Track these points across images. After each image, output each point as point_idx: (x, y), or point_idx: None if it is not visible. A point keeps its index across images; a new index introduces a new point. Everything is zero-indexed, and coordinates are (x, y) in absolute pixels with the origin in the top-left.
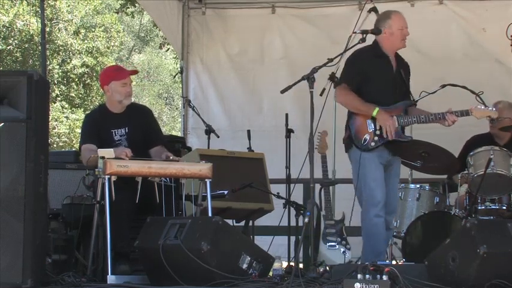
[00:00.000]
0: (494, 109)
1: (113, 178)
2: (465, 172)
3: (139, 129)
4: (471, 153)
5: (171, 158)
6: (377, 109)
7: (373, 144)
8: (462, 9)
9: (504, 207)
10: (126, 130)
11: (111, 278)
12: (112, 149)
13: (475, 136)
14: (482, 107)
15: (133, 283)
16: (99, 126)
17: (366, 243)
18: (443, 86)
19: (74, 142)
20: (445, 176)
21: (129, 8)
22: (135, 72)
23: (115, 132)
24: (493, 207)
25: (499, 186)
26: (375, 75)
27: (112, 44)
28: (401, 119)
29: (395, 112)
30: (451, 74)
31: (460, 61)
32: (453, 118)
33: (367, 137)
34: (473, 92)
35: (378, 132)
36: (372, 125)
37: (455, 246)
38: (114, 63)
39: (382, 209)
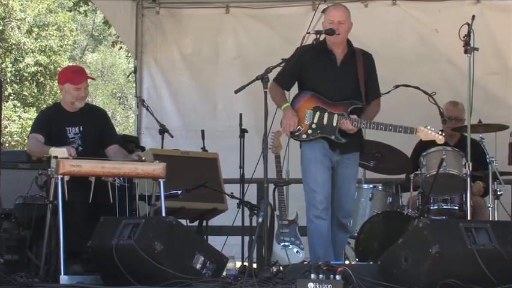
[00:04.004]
0: (442, 135)
1: (66, 178)
2: (417, 172)
3: (94, 129)
4: (424, 153)
5: (143, 158)
6: (286, 104)
7: (304, 136)
8: (415, 10)
9: (456, 207)
10: (80, 129)
11: (63, 278)
12: (65, 149)
13: None
14: (432, 130)
15: (86, 283)
16: (52, 123)
17: (308, 244)
18: (397, 86)
19: (26, 141)
20: (397, 176)
21: (82, 6)
22: (91, 78)
23: (69, 130)
24: (445, 207)
25: (451, 186)
26: (312, 70)
27: (65, 42)
28: (342, 118)
29: (337, 110)
30: (404, 75)
31: (413, 62)
32: (350, 128)
33: (301, 127)
34: (426, 93)
35: (313, 126)
36: (310, 117)
37: (407, 246)
38: (68, 63)
39: (325, 211)
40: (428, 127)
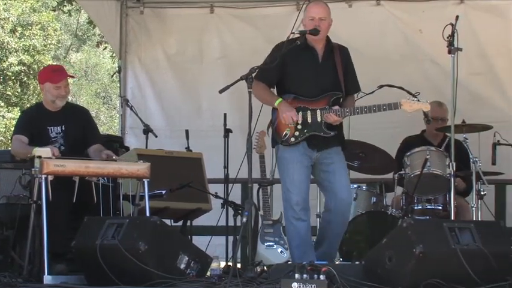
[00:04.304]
0: (427, 101)
1: (50, 178)
2: (402, 172)
3: (76, 128)
4: (408, 153)
5: (114, 157)
6: (279, 100)
7: (293, 139)
8: (399, 10)
9: (440, 207)
10: (63, 128)
11: (47, 278)
12: (49, 148)
13: (409, 137)
14: (414, 99)
15: (70, 283)
16: (34, 123)
17: (288, 245)
18: (381, 86)
19: (10, 141)
20: (381, 176)
21: (66, 6)
22: (71, 77)
23: (51, 129)
24: (429, 207)
25: (435, 186)
26: (293, 67)
27: (49, 42)
28: (325, 112)
29: (319, 105)
30: (388, 75)
31: (396, 62)
32: (335, 119)
33: (287, 131)
34: (409, 93)
35: (299, 127)
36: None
37: (391, 245)
38: (52, 62)
39: (303, 212)
40: (412, 98)
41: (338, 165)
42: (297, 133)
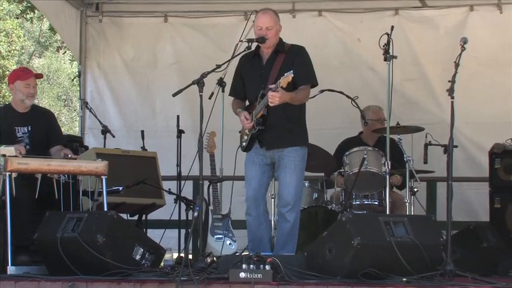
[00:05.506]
0: (291, 71)
1: (14, 175)
2: (341, 170)
3: (42, 129)
4: (347, 153)
5: (69, 156)
6: (239, 110)
7: (244, 144)
8: (339, 20)
9: (376, 203)
10: (29, 128)
11: (11, 269)
12: (13, 148)
13: (347, 138)
14: (285, 74)
15: (32, 273)
16: (1, 123)
17: None
18: (322, 91)
19: None
20: (322, 174)
21: (28, 13)
22: (39, 75)
23: (18, 129)
24: (366, 202)
25: (372, 183)
26: (245, 77)
27: (13, 48)
28: (254, 112)
29: (253, 107)
30: (329, 81)
31: (337, 68)
32: (271, 94)
33: (243, 138)
34: (348, 97)
35: (246, 131)
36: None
37: (331, 238)
38: (16, 67)
39: (252, 207)
40: (281, 78)
41: (286, 164)
42: (245, 137)
